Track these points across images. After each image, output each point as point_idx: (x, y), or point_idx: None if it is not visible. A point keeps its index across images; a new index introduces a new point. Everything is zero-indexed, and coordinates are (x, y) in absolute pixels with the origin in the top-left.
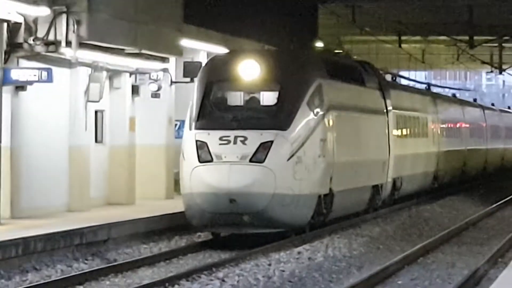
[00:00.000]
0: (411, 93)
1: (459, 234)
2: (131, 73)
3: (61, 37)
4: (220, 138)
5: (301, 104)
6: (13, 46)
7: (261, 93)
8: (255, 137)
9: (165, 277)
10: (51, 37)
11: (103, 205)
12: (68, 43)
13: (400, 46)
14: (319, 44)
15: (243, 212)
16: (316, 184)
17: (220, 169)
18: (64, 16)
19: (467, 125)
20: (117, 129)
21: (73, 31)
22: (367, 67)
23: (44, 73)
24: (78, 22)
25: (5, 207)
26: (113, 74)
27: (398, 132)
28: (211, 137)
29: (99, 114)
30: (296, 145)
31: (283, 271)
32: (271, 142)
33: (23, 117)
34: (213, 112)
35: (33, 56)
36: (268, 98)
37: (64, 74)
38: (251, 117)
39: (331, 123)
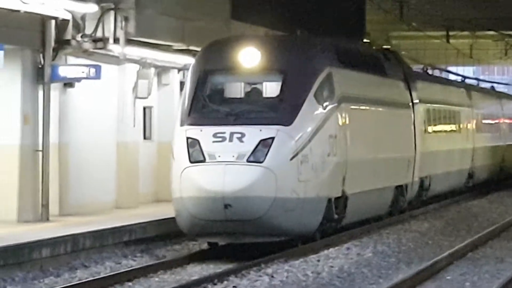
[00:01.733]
0: (442, 85)
1: (508, 229)
2: (179, 70)
3: (109, 34)
4: (214, 135)
5: (307, 95)
6: (61, 43)
7: (262, 83)
8: (254, 134)
9: (214, 274)
10: (99, 34)
11: (151, 201)
12: (116, 40)
13: (448, 41)
14: (367, 40)
15: (239, 219)
16: (324, 186)
17: (214, 170)
18: (112, 13)
19: (506, 119)
20: (165, 126)
21: (121, 28)
22: (390, 56)
23: (92, 70)
24: (126, 19)
25: (54, 204)
26: (161, 70)
27: (426, 127)
28: (204, 134)
29: (147, 110)
30: (301, 142)
31: (332, 266)
32: (272, 139)
33: (71, 114)
34: (207, 105)
35: (81, 53)
36: (270, 89)
37: (112, 70)
38: (250, 110)
39: (343, 117)
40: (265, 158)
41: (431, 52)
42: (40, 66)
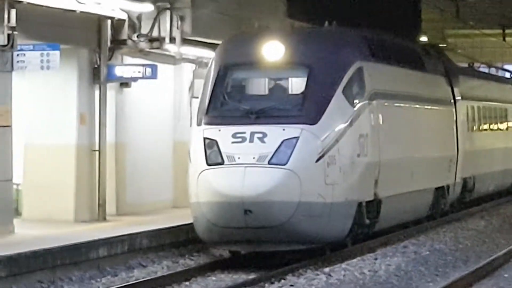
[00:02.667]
0: (488, 81)
1: None
2: None
3: (165, 33)
4: (234, 135)
5: (335, 92)
6: (117, 43)
7: (286, 79)
8: (276, 133)
9: (271, 272)
10: (155, 33)
11: None
12: (172, 39)
13: (504, 39)
14: (423, 39)
15: (260, 226)
16: (354, 189)
17: (232, 173)
18: (167, 13)
19: None
20: None
21: (177, 27)
22: (430, 50)
23: (148, 70)
24: (182, 18)
25: (111, 204)
26: None
27: (470, 125)
28: (223, 134)
29: None
30: (328, 142)
31: (389, 265)
32: (296, 139)
33: (127, 113)
34: (226, 103)
35: (137, 52)
36: (294, 85)
37: (168, 70)
38: (272, 108)
39: (375, 115)
40: (288, 160)
41: (487, 51)
42: (96, 66)
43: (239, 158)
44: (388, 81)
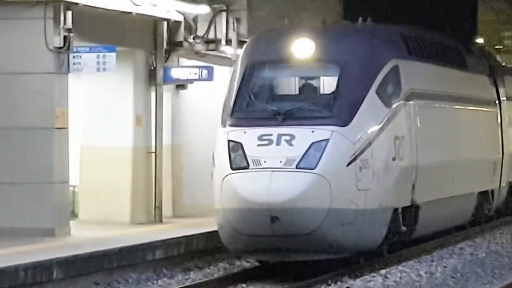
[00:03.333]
0: None
1: None
2: None
3: (221, 35)
4: (260, 138)
5: (368, 91)
6: (173, 45)
7: (316, 78)
8: (305, 136)
9: (328, 275)
10: (211, 35)
11: None
12: (228, 41)
13: None
14: (479, 40)
15: (288, 234)
16: (389, 194)
17: (258, 178)
18: (223, 14)
19: None
20: None
21: (233, 29)
22: (473, 49)
23: (205, 72)
24: (238, 20)
25: (167, 206)
26: None
27: None
28: (248, 136)
29: None
30: (360, 145)
31: (446, 267)
32: (326, 141)
33: (183, 115)
34: (252, 103)
35: (193, 54)
36: (325, 84)
37: (225, 72)
38: (301, 109)
39: (412, 116)
40: (317, 164)
41: None
42: (152, 68)
43: (265, 162)
44: (427, 81)
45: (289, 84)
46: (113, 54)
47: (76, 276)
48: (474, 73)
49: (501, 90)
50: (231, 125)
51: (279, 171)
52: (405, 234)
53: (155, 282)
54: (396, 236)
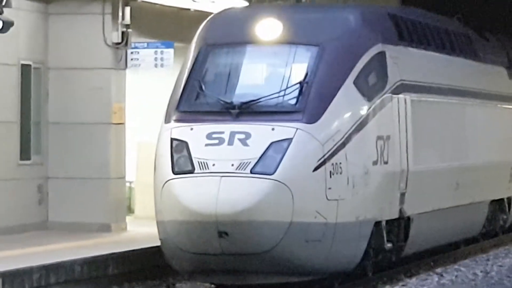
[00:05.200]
0: None
1: None
2: None
3: None
4: (209, 136)
5: (344, 82)
6: None
7: (281, 65)
8: (263, 134)
9: (384, 273)
10: None
11: None
12: None
13: None
14: None
15: (240, 253)
16: (369, 205)
17: (204, 184)
18: None
19: None
20: None
21: None
22: (490, 37)
23: None
24: None
25: None
26: None
27: None
28: (195, 134)
29: None
30: (332, 146)
31: (501, 266)
32: (288, 141)
33: None
34: (203, 94)
35: None
36: (292, 73)
37: None
38: (260, 102)
39: (402, 112)
40: (276, 168)
41: None
42: None
43: (213, 165)
44: (424, 71)
45: (249, 72)
46: (171, 50)
47: (132, 272)
48: (489, 64)
49: None
50: (176, 121)
51: (230, 177)
52: (391, 252)
53: None
54: (381, 254)
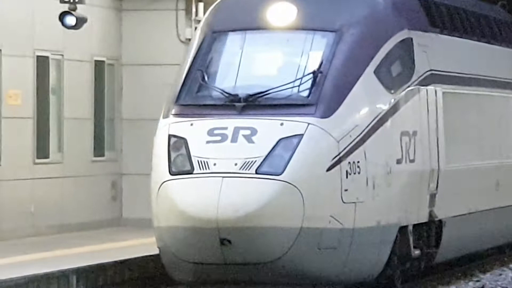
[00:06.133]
0: None
1: None
2: None
3: None
4: (210, 132)
5: (363, 71)
6: None
7: (293, 52)
8: (271, 130)
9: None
10: None
11: None
12: None
13: None
14: None
15: (245, 262)
16: (392, 208)
17: (205, 186)
18: None
19: None
20: None
21: None
22: None
23: None
24: None
25: None
26: None
27: None
28: (195, 130)
29: None
30: (349, 143)
31: None
32: (299, 137)
33: None
34: (205, 86)
35: None
36: (306, 61)
37: None
38: (268, 94)
39: (431, 105)
40: (285, 168)
41: None
42: None
43: (215, 164)
44: (457, 61)
45: (257, 61)
46: None
47: None
48: None
49: None
50: (175, 115)
51: (233, 177)
52: (420, 260)
53: None
54: (408, 263)
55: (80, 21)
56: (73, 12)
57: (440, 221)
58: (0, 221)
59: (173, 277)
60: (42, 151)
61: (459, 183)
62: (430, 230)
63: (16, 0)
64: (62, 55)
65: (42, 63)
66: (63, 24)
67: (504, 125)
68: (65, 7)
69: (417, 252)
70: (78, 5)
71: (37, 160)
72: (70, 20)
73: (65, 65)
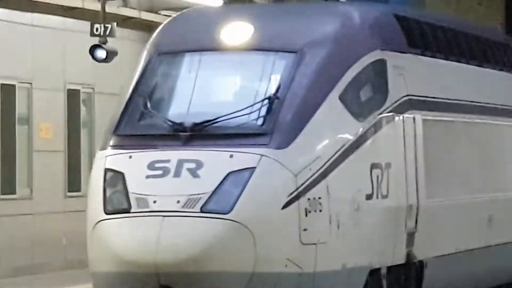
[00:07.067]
0: None
1: None
2: None
3: None
4: (150, 166)
5: (325, 97)
6: None
7: (247, 76)
8: (219, 163)
9: None
10: None
11: None
12: None
13: None
14: None
15: None
16: (362, 249)
17: (143, 227)
18: None
19: None
20: None
21: None
22: None
23: None
24: None
25: None
26: None
27: None
28: (134, 164)
29: None
30: (307, 176)
31: None
32: (251, 171)
33: None
34: (147, 114)
35: None
36: (262, 86)
37: None
38: (217, 122)
39: (408, 134)
40: (234, 205)
41: None
42: None
43: (154, 202)
44: (441, 85)
45: (207, 86)
46: None
47: None
48: None
49: None
50: (113, 147)
51: (175, 216)
52: None
53: None
54: None
55: (111, 54)
56: (103, 46)
57: (421, 262)
58: (33, 254)
59: None
60: (73, 184)
61: (444, 219)
62: (409, 272)
63: (47, 34)
64: (93, 88)
65: (72, 96)
66: (93, 57)
67: (498, 155)
68: (96, 40)
69: None
70: (108, 38)
71: (69, 194)
72: (101, 53)
73: (96, 98)
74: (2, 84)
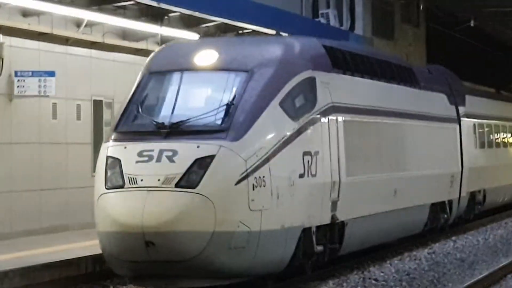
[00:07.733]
0: (498, 100)
1: None
2: None
3: None
4: (139, 154)
5: (268, 103)
6: None
7: (212, 89)
8: (189, 151)
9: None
10: None
11: None
12: None
13: None
14: None
15: (167, 260)
16: (295, 214)
17: (132, 198)
18: None
19: None
20: None
21: None
22: (433, 71)
23: None
24: None
25: None
26: None
27: (477, 142)
28: (128, 152)
29: None
30: (254, 161)
31: (496, 235)
32: (212, 157)
33: None
34: (139, 116)
35: None
36: (223, 96)
37: None
38: (188, 122)
39: (332, 130)
40: (199, 182)
41: None
42: None
43: (142, 180)
44: (357, 95)
45: (182, 96)
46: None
47: None
48: (430, 91)
49: (461, 108)
50: (113, 140)
51: (156, 191)
52: (324, 254)
53: None
54: (314, 256)
55: None
56: None
57: (342, 222)
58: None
59: (116, 272)
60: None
61: (360, 191)
62: (333, 230)
63: (124, 67)
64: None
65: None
66: None
67: (400, 145)
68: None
69: (319, 248)
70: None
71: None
72: None
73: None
74: (94, 100)
